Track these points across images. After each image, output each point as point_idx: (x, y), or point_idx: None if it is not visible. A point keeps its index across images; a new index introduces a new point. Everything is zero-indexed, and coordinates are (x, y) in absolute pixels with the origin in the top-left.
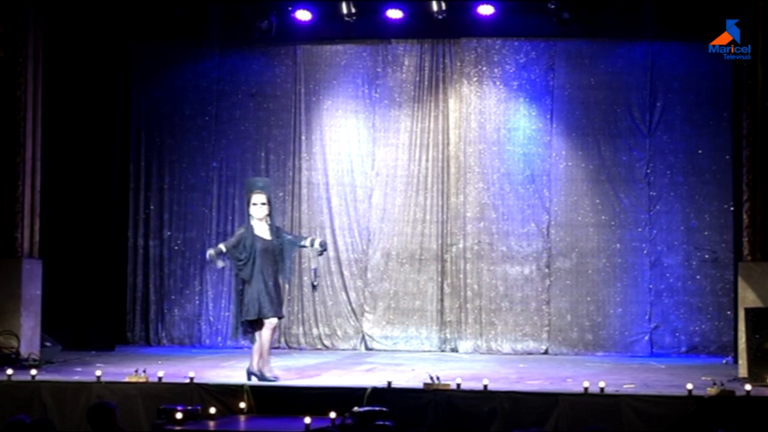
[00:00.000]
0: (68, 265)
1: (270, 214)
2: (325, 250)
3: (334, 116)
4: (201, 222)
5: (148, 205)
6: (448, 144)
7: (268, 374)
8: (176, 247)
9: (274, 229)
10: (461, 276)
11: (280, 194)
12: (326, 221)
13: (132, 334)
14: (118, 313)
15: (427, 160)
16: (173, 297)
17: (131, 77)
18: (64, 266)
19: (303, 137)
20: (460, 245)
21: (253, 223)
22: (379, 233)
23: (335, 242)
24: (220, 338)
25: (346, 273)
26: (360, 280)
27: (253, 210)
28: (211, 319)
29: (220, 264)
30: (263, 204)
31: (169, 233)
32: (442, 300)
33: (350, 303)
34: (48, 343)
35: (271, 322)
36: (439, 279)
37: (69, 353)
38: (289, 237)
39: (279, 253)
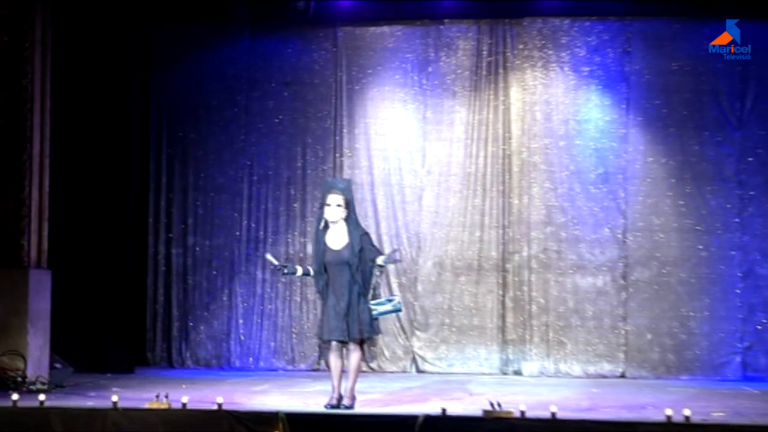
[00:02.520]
0: (80, 276)
1: (349, 219)
2: (395, 261)
3: (380, 107)
4: (229, 227)
5: (170, 209)
6: (509, 138)
7: (346, 401)
8: (202, 256)
9: (354, 239)
10: (525, 288)
11: (319, 195)
12: (371, 226)
13: (152, 355)
14: (137, 330)
15: (485, 157)
16: (198, 312)
17: (151, 64)
18: (75, 277)
19: (345, 131)
20: (524, 253)
21: (327, 229)
22: (431, 240)
23: (382, 249)
24: (251, 359)
25: (393, 285)
26: (409, 293)
27: (326, 212)
28: (242, 337)
29: (274, 261)
30: (338, 206)
31: (193, 240)
32: (503, 316)
33: (398, 319)
34: (58, 365)
35: (335, 346)
36: (500, 292)
37: (82, 376)
38: (370, 251)
39: (357, 268)
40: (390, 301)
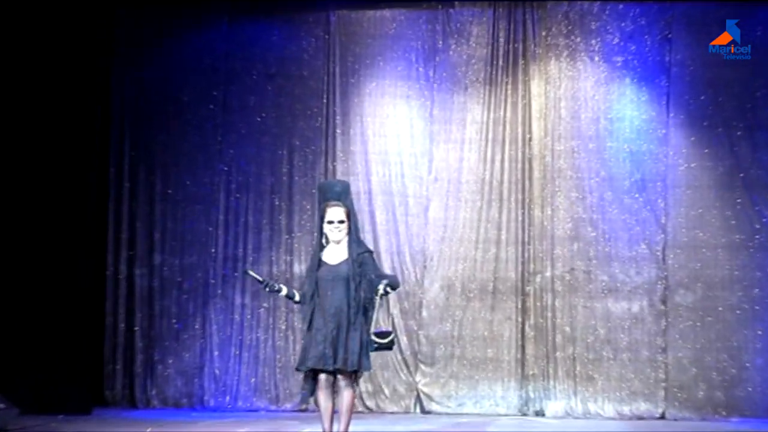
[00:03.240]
0: (28, 302)
1: (350, 233)
2: (387, 292)
3: (379, 104)
4: (203, 243)
5: (133, 222)
6: (530, 140)
7: None
8: (170, 277)
9: (353, 253)
10: (548, 315)
11: (308, 207)
12: (368, 242)
13: (112, 393)
14: (94, 364)
15: (502, 161)
16: (166, 343)
17: (113, 54)
18: (22, 303)
19: (338, 131)
20: (547, 274)
21: (327, 245)
22: (439, 258)
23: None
24: (228, 398)
25: (394, 311)
26: (413, 320)
27: (328, 230)
28: (217, 372)
29: (256, 276)
30: (341, 222)
31: (160, 258)
32: (523, 346)
33: (401, 351)
34: (1, 405)
35: (324, 382)
36: (519, 319)
37: (30, 418)
38: (372, 271)
39: (356, 288)
40: (389, 334)
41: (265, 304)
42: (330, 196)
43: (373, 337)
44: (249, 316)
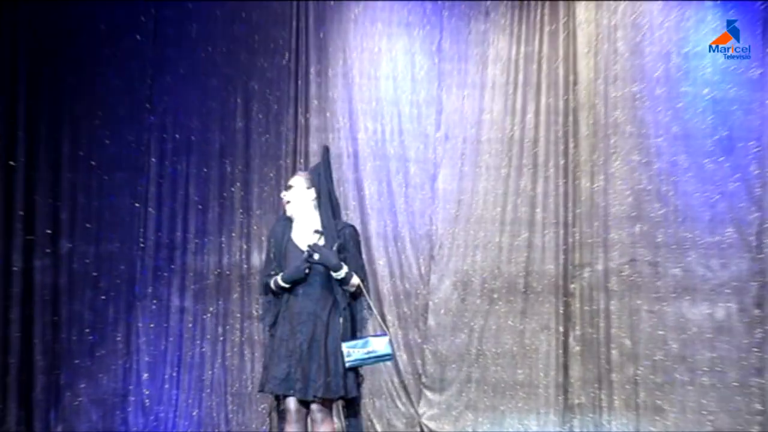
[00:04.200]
0: None
1: (322, 206)
2: (311, 258)
3: (369, 33)
4: (128, 225)
5: (30, 195)
6: (574, 84)
7: None
8: (83, 271)
9: (330, 233)
10: (600, 323)
11: (271, 174)
12: (354, 221)
13: (2, 426)
14: None
15: (536, 113)
16: (77, 362)
17: None
18: None
19: (311, 72)
20: (599, 267)
21: (293, 218)
22: (451, 245)
23: (370, 260)
24: None
25: (390, 316)
26: (415, 330)
27: (283, 200)
28: (146, 401)
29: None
30: (296, 192)
31: (69, 245)
32: (565, 366)
33: (398, 372)
34: None
35: (293, 409)
36: (561, 328)
37: None
38: (352, 258)
39: (338, 282)
40: (369, 342)
41: (212, 308)
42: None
43: (345, 347)
44: (190, 325)
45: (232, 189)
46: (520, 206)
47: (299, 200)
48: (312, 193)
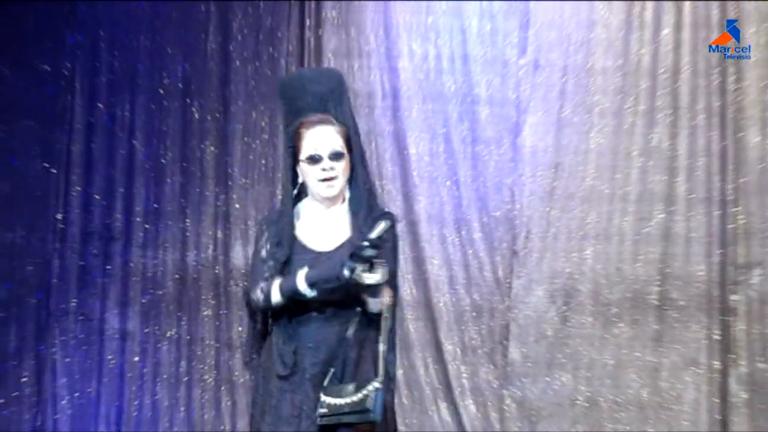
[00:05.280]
0: None
1: (354, 185)
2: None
3: None
4: (38, 202)
5: None
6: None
7: None
8: None
9: (358, 224)
10: None
11: (262, 123)
12: (392, 199)
13: None
14: None
15: (677, 28)
16: None
17: None
18: None
19: None
20: None
21: (304, 207)
22: (543, 235)
23: (418, 259)
24: None
25: (448, 345)
26: (489, 366)
27: (310, 178)
28: None
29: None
30: (336, 157)
31: None
32: (723, 422)
33: (458, 422)
34: None
35: None
36: (716, 363)
37: None
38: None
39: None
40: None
41: (171, 333)
42: (307, 104)
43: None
44: (137, 358)
45: (202, 146)
46: (652, 173)
47: (343, 175)
48: (346, 167)
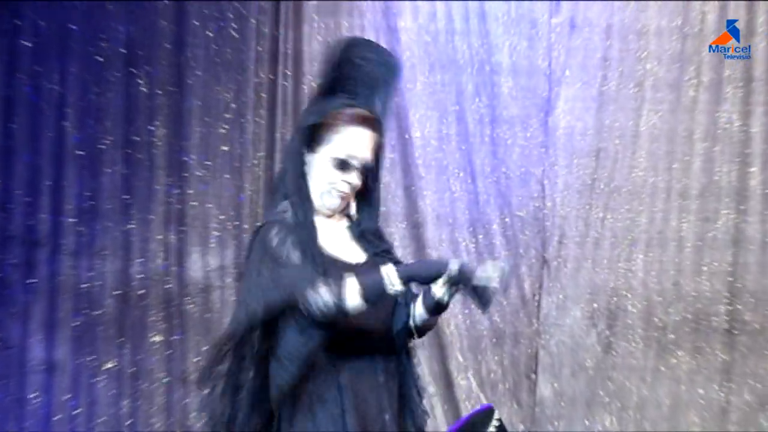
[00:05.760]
0: None
1: (371, 197)
2: (464, 280)
3: None
4: None
5: None
6: None
7: None
8: None
9: (371, 250)
10: None
11: (227, 94)
12: (387, 196)
13: None
14: None
15: (749, 13)
16: None
17: None
18: None
19: None
20: None
21: (320, 220)
22: (581, 240)
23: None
24: None
25: (461, 380)
26: (513, 403)
27: (324, 181)
28: None
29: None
30: (362, 172)
31: None
32: None
33: None
34: None
35: None
36: None
37: None
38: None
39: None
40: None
41: (112, 364)
42: (357, 88)
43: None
44: (67, 395)
45: (151, 128)
46: (719, 162)
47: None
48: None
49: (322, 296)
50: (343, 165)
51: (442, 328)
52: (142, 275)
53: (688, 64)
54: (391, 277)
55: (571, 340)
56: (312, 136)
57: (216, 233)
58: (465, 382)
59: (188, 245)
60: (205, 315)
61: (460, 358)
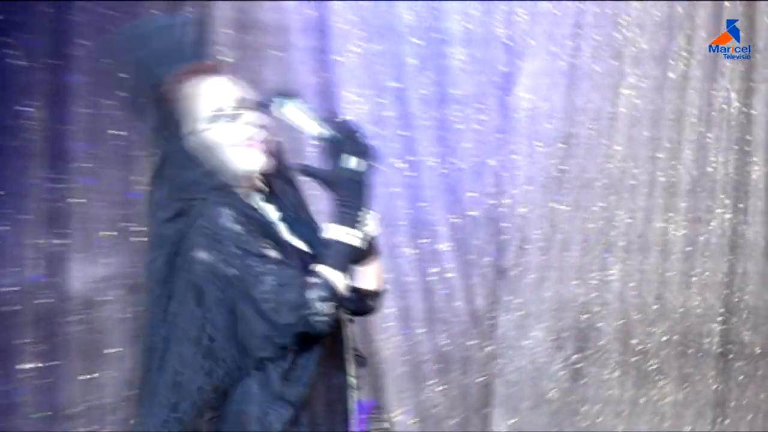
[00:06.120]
0: None
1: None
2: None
3: None
4: None
5: None
6: None
7: None
8: None
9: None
10: None
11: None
12: (322, 203)
13: None
14: None
15: None
16: None
17: None
18: None
19: None
20: None
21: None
22: (546, 244)
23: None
24: None
25: (397, 417)
26: None
27: (231, 137)
28: None
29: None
30: (243, 105)
31: None
32: None
33: None
34: None
35: None
36: None
37: None
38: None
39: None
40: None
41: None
42: (170, 57)
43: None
44: None
45: (27, 110)
46: (713, 150)
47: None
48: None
49: (317, 298)
50: (227, 115)
51: (374, 350)
52: (13, 288)
53: (677, 30)
54: (347, 233)
55: (533, 366)
56: (175, 128)
57: (104, 236)
58: (402, 417)
59: (70, 251)
60: (90, 335)
61: (396, 389)
